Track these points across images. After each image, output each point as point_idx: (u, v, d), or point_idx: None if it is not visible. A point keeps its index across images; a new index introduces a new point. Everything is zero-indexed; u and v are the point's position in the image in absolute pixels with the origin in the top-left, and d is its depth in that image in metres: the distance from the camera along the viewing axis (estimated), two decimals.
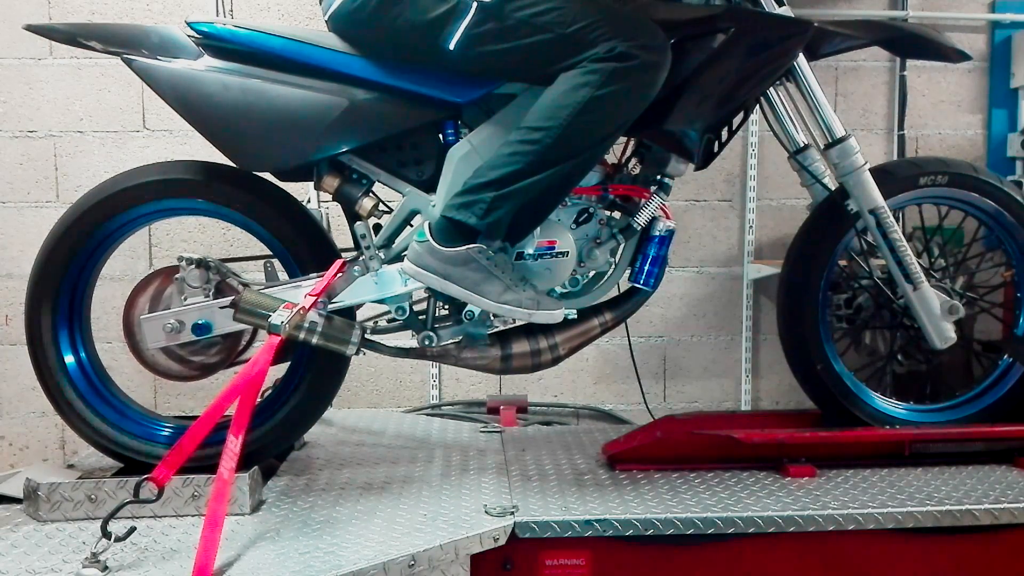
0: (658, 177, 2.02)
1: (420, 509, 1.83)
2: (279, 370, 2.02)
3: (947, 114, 3.37)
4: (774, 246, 3.29)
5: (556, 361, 1.99)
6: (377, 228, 1.99)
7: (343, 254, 2.00)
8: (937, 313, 2.12)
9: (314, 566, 1.54)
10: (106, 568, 1.54)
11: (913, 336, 2.23)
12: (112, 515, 1.60)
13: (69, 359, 1.99)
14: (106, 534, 1.58)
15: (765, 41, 1.93)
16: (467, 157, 1.92)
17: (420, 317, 2.00)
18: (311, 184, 2.00)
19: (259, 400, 2.02)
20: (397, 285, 1.95)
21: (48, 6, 3.09)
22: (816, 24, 1.99)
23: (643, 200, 2.00)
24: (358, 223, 1.95)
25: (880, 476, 2.01)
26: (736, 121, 2.05)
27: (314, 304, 1.84)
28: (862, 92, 3.34)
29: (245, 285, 1.95)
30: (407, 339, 2.01)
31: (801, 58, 2.04)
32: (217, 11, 3.01)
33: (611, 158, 2.04)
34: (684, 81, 1.89)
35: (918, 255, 2.15)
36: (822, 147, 2.12)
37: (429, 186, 1.96)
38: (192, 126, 1.88)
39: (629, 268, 2.04)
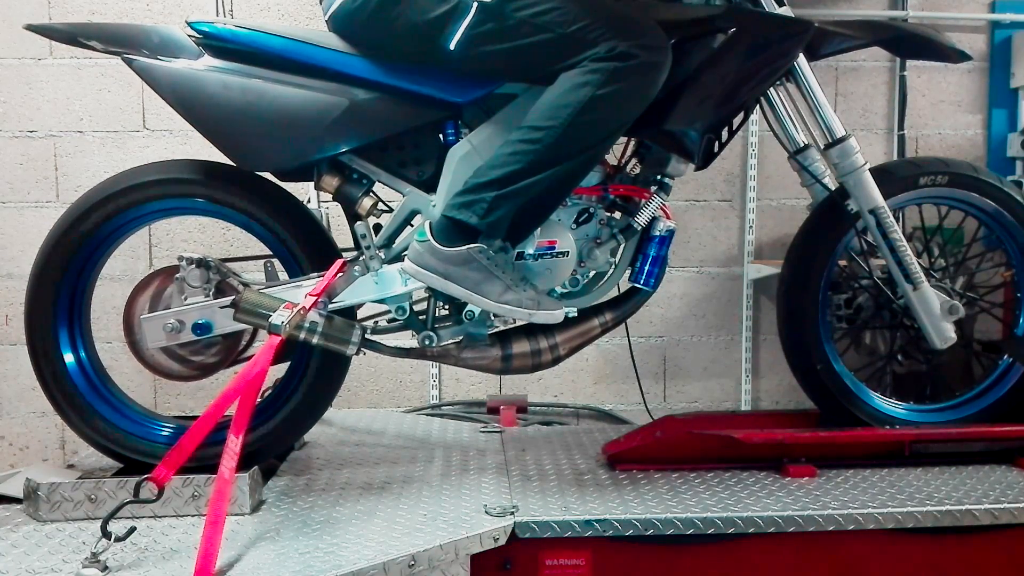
0: (658, 177, 2.02)
1: (420, 509, 1.83)
2: (279, 370, 2.02)
3: (947, 114, 3.37)
4: (774, 246, 3.29)
5: (556, 361, 1.99)
6: (377, 228, 1.99)
7: (343, 254, 2.00)
8: (937, 313, 2.12)
9: (314, 566, 1.54)
10: (106, 568, 1.54)
11: (913, 336, 2.23)
12: (112, 515, 1.60)
13: (69, 359, 1.99)
14: (106, 534, 1.58)
15: (765, 41, 1.93)
16: (467, 157, 1.92)
17: (420, 317, 2.00)
18: (311, 184, 2.00)
19: (259, 400, 2.02)
20: (397, 285, 1.95)
21: (48, 6, 3.09)
22: (816, 24, 1.99)
23: (643, 200, 2.00)
24: (358, 223, 1.95)
25: (880, 476, 2.01)
26: (736, 121, 2.05)
27: (314, 304, 1.84)
28: (862, 92, 3.34)
29: (245, 285, 1.95)
30: (407, 339, 2.01)
31: (801, 58, 2.04)
32: (217, 11, 3.01)
33: (611, 158, 2.04)
34: (684, 81, 1.89)
35: (918, 255, 2.15)
36: (822, 147, 2.12)
37: (429, 186, 1.96)
38: (192, 126, 1.88)
39: (629, 268, 2.04)
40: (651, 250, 2.01)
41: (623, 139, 2.02)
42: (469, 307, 1.93)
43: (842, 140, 2.08)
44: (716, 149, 2.05)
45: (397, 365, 3.25)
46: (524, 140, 1.80)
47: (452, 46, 1.82)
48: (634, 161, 2.07)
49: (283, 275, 2.02)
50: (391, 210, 2.01)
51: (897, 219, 2.14)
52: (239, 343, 2.05)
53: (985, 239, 2.37)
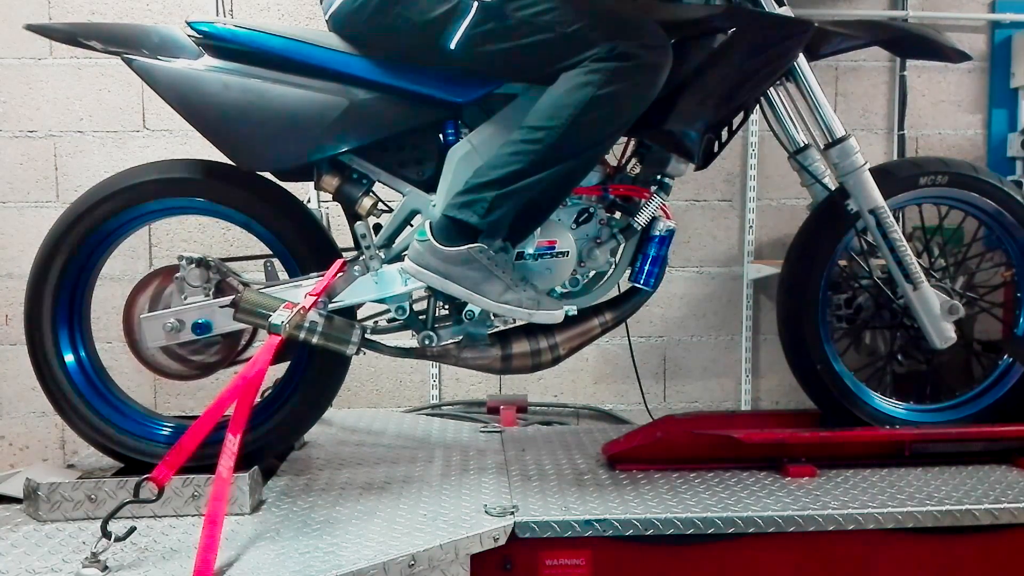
0: (658, 177, 2.02)
1: (420, 509, 1.83)
2: (279, 370, 2.02)
3: (947, 114, 3.37)
4: (774, 246, 3.29)
5: (556, 361, 1.99)
6: (377, 228, 1.99)
7: (343, 254, 2.00)
8: (937, 313, 2.12)
9: (314, 566, 1.54)
10: (106, 568, 1.54)
11: (913, 336, 2.23)
12: (112, 515, 1.60)
13: (69, 359, 1.99)
14: (106, 534, 1.58)
15: (765, 41, 1.93)
16: (467, 157, 1.92)
17: (420, 317, 2.00)
18: (311, 184, 2.00)
19: (259, 400, 2.02)
20: (397, 285, 1.95)
21: (48, 6, 3.09)
22: (816, 24, 1.99)
23: (643, 200, 2.00)
24: (358, 223, 1.95)
25: (880, 476, 2.01)
26: (736, 121, 2.05)
27: (314, 304, 1.84)
28: (862, 92, 3.34)
29: (245, 284, 1.95)
30: (407, 339, 2.01)
31: (801, 58, 2.04)
32: (217, 11, 3.01)
33: (611, 158, 2.04)
34: (684, 81, 1.89)
35: (918, 255, 2.15)
36: (822, 147, 2.12)
37: (429, 186, 1.96)
38: (192, 126, 1.88)
39: (629, 268, 2.04)
40: (651, 250, 2.01)
41: (623, 139, 2.02)
42: (469, 307, 1.93)
43: (842, 140, 2.08)
44: (716, 149, 2.05)
45: (397, 365, 3.25)
46: (525, 140, 1.80)
47: (452, 46, 1.82)
48: (634, 161, 2.07)
49: (283, 275, 2.02)
50: (391, 210, 2.01)
51: (897, 219, 2.14)
52: (239, 343, 2.05)
53: (985, 239, 2.37)
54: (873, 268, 2.22)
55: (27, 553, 1.64)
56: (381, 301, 1.98)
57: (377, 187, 1.98)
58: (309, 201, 2.57)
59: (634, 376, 2.66)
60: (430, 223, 1.85)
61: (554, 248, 1.96)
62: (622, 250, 2.04)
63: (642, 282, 2.02)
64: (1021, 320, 2.31)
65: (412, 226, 1.99)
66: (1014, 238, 2.22)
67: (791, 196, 3.27)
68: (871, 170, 2.09)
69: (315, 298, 1.84)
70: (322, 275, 1.91)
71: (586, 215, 1.98)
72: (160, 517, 1.79)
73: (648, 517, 1.76)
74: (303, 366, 2.02)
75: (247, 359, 1.93)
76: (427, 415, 3.07)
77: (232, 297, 1.90)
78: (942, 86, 3.35)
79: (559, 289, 2.02)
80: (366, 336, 1.92)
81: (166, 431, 2.03)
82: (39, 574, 1.54)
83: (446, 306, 2.00)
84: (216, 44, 1.88)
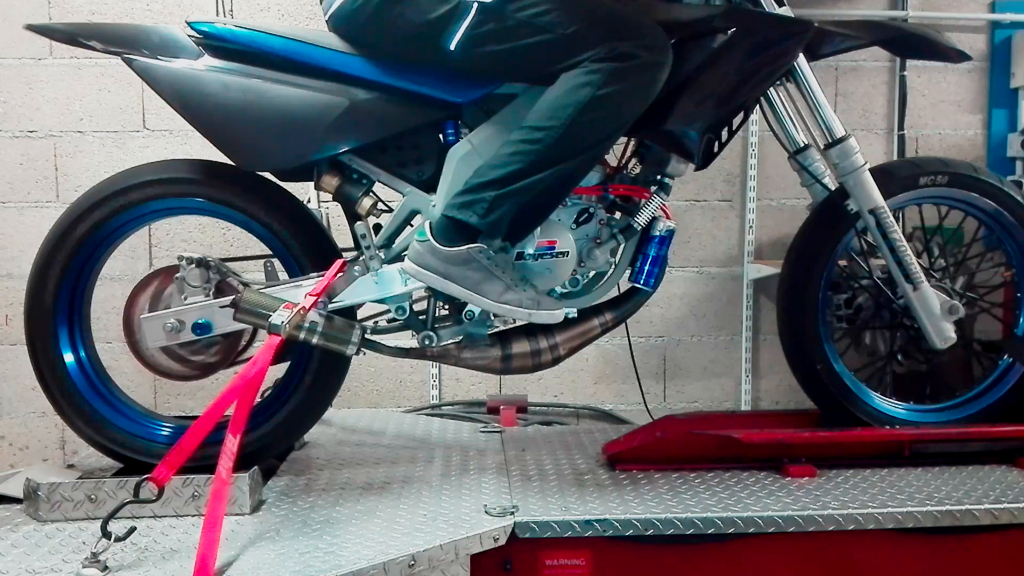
0: (658, 177, 2.02)
1: (420, 509, 1.83)
2: (279, 370, 2.02)
3: (947, 114, 3.37)
4: (774, 246, 3.30)
5: (556, 361, 1.99)
6: (377, 228, 1.99)
7: (343, 254, 2.00)
8: (937, 313, 2.12)
9: (314, 566, 1.54)
10: (106, 568, 1.54)
11: (913, 336, 2.23)
12: (112, 515, 1.60)
13: (69, 359, 1.99)
14: (106, 534, 1.58)
15: (765, 41, 1.93)
16: (467, 157, 1.92)
17: (420, 317, 2.00)
18: (311, 184, 2.00)
19: (259, 400, 2.02)
20: (397, 285, 1.95)
21: (48, 6, 3.10)
22: (816, 24, 1.99)
23: (643, 200, 2.00)
24: (358, 223, 1.95)
25: (880, 476, 2.01)
26: (736, 121, 2.05)
27: (314, 304, 1.84)
28: (862, 92, 3.34)
29: (245, 285, 1.95)
30: (407, 339, 2.01)
31: (801, 58, 2.04)
32: (217, 11, 3.01)
33: (611, 158, 2.04)
34: (684, 81, 1.89)
35: (918, 255, 2.15)
36: (822, 147, 2.12)
37: (429, 186, 1.96)
38: (192, 126, 1.88)
39: (629, 268, 2.04)
40: (651, 250, 2.01)
41: (623, 139, 2.02)
42: (469, 307, 1.93)
43: (842, 140, 2.08)
44: (716, 149, 2.05)
45: (397, 365, 3.25)
46: (525, 140, 1.80)
47: (452, 46, 1.82)
48: (634, 161, 2.07)
49: (283, 275, 2.02)
50: (391, 210, 2.02)
51: (897, 219, 2.14)
52: (239, 343, 2.05)
53: (985, 239, 2.37)
54: (873, 268, 2.22)
55: (27, 553, 1.64)
56: (381, 301, 1.98)
57: (377, 187, 1.98)
58: (309, 201, 2.57)
59: (634, 376, 2.66)
60: (430, 223, 1.85)
61: (554, 248, 1.96)
62: (622, 250, 2.04)
63: (642, 282, 2.02)
64: (1021, 320, 2.31)
65: (412, 226, 1.99)
66: (1014, 238, 2.22)
67: (791, 196, 3.27)
68: (871, 170, 2.09)
69: (315, 298, 1.84)
70: (322, 275, 1.91)
71: (586, 215, 1.98)
72: (160, 517, 1.79)
73: (648, 517, 1.76)
74: (303, 366, 2.02)
75: (247, 359, 1.93)
76: (427, 415, 3.07)
77: (232, 297, 1.90)
78: (942, 86, 3.36)
79: (559, 289, 2.02)
80: (366, 336, 1.92)
81: (166, 431, 2.03)
82: (39, 574, 1.54)
83: (446, 306, 2.00)
84: (216, 44, 1.88)
